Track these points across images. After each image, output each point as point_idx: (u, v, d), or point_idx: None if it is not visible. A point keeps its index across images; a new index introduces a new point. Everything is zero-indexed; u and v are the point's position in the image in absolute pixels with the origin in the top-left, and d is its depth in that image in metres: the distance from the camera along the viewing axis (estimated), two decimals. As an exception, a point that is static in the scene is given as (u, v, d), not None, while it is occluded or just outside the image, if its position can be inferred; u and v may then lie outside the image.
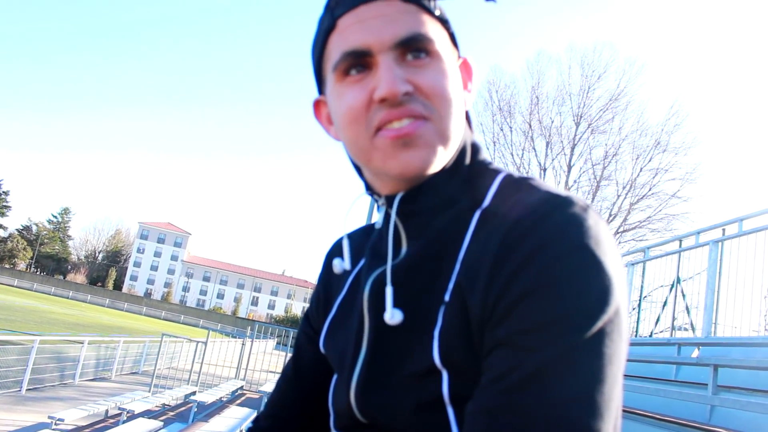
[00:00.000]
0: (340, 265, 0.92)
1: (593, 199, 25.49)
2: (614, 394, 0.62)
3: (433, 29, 0.78)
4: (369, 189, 0.88)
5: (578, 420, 0.59)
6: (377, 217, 0.90)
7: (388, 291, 0.78)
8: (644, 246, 10.89)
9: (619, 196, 25.34)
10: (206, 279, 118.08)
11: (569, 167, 26.30)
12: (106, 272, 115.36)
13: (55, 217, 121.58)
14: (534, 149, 26.70)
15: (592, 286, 0.64)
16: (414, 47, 0.76)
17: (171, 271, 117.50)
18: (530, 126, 26.72)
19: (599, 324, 0.62)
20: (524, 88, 27.31)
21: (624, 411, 5.76)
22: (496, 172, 0.82)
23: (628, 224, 25.25)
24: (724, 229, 8.12)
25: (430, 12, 0.79)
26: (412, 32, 0.76)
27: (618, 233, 25.35)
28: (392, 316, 0.76)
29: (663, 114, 28.21)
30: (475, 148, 0.86)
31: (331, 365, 0.93)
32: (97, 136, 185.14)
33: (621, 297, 0.65)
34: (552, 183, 26.28)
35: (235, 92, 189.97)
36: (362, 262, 0.93)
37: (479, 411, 0.64)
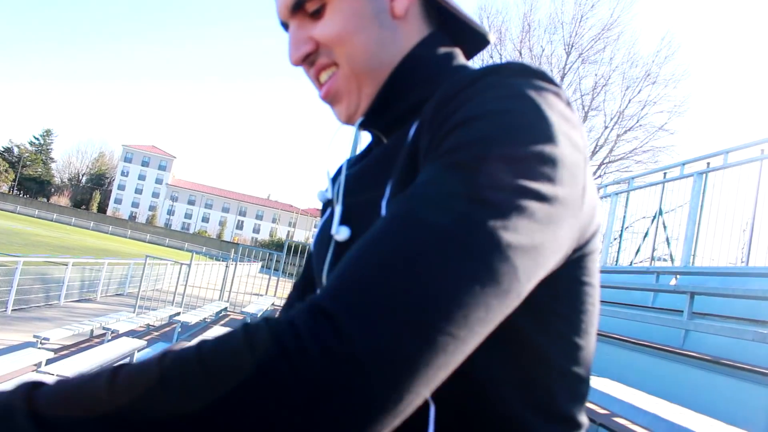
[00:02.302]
0: (321, 196, 0.96)
1: (580, 129, 25.41)
2: (540, 251, 0.55)
3: None
4: None
5: (481, 215, 0.53)
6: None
7: (337, 209, 0.81)
8: (628, 176, 10.92)
9: (606, 127, 25.33)
10: (191, 203, 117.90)
11: (558, 96, 26.11)
12: (90, 195, 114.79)
13: (37, 139, 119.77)
14: (523, 78, 26.44)
15: (530, 120, 0.59)
16: (310, 6, 0.80)
17: (156, 195, 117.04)
18: (520, 54, 26.35)
19: (529, 161, 0.56)
20: (516, 15, 26.98)
21: (602, 335, 5.93)
22: (462, 68, 0.83)
23: (614, 155, 25.35)
24: (708, 162, 8.14)
25: None
26: None
27: (603, 164, 25.48)
28: (338, 232, 0.78)
29: (654, 45, 27.89)
30: (448, 56, 0.84)
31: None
32: (80, 60, 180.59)
33: (565, 153, 0.59)
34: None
35: (222, 13, 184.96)
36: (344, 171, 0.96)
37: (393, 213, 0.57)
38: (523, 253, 0.53)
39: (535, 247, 0.54)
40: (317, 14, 0.80)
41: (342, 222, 0.79)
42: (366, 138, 0.96)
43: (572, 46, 25.94)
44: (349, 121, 0.85)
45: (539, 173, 0.56)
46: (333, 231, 0.79)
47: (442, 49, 0.84)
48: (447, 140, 0.60)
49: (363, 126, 0.86)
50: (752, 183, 7.04)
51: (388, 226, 0.55)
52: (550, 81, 0.65)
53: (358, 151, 1.03)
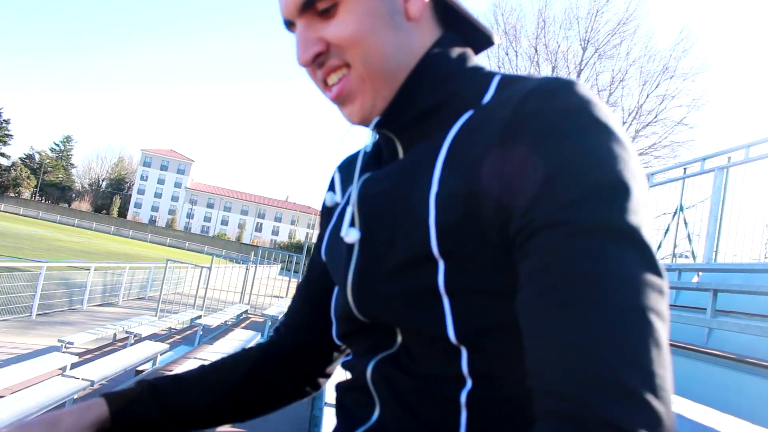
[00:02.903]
0: (331, 199, 0.98)
1: (598, 125, 25.21)
2: (659, 261, 0.61)
3: None
4: None
5: (643, 277, 0.58)
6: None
7: (348, 210, 0.82)
8: (648, 173, 10.81)
9: (624, 123, 25.09)
10: (210, 206, 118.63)
11: (575, 93, 25.91)
12: (111, 200, 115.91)
13: (58, 145, 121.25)
14: (540, 74, 26.28)
15: (620, 161, 0.62)
16: (321, 5, 0.77)
17: (175, 198, 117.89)
18: (536, 50, 26.20)
19: (635, 199, 0.61)
20: (531, 11, 26.80)
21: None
22: (492, 74, 0.81)
23: (633, 151, 25.10)
24: (729, 157, 8.03)
25: None
26: None
27: (622, 160, 25.22)
28: (347, 234, 0.80)
29: (672, 39, 27.69)
30: (462, 57, 0.84)
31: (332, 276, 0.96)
32: (98, 66, 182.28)
33: (643, 173, 0.64)
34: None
35: (241, 16, 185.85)
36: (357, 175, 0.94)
37: (535, 297, 0.61)
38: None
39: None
40: (328, 13, 0.78)
41: (351, 223, 0.81)
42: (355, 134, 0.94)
43: (588, 41, 25.73)
44: (363, 122, 0.82)
45: (645, 205, 0.63)
46: (343, 233, 0.81)
47: (457, 50, 0.84)
48: (546, 190, 0.62)
49: (378, 126, 0.83)
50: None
51: (595, 311, 0.58)
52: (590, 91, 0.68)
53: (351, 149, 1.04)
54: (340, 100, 0.81)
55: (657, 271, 0.59)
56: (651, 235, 0.61)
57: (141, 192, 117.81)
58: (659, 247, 9.64)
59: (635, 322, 0.56)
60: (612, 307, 0.57)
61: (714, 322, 4.80)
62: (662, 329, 0.57)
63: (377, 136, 0.91)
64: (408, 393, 0.76)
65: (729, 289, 5.42)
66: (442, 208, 0.70)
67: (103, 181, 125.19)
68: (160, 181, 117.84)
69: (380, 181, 0.81)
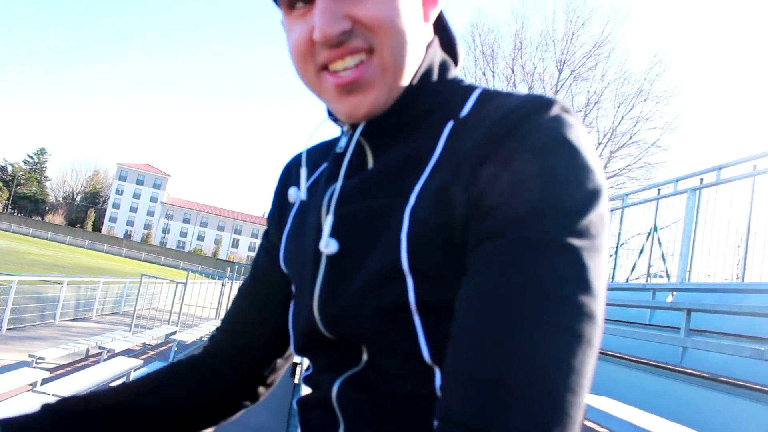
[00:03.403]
0: (295, 195, 0.89)
1: (574, 146, 25.51)
2: (601, 290, 0.60)
3: None
4: (331, 115, 0.84)
5: (571, 296, 0.58)
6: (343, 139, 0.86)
7: (328, 219, 0.76)
8: (623, 193, 10.97)
9: (599, 144, 25.44)
10: (186, 221, 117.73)
11: (551, 114, 26.23)
12: (85, 214, 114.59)
13: (31, 157, 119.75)
14: (516, 95, 26.57)
15: (580, 183, 0.62)
16: None
17: (150, 213, 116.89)
18: (513, 71, 26.52)
19: (587, 221, 0.61)
20: (508, 32, 27.05)
21: (599, 353, 5.87)
22: (472, 87, 0.79)
23: (608, 172, 25.42)
24: (702, 178, 8.18)
25: None
26: None
27: (598, 181, 25.51)
28: (327, 245, 0.75)
29: (646, 62, 28.16)
30: (444, 66, 0.82)
31: (288, 284, 0.92)
32: (74, 78, 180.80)
33: (603, 192, 0.64)
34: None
35: (219, 31, 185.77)
36: (321, 168, 0.91)
37: (462, 301, 0.62)
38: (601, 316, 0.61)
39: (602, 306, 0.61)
40: None
41: (331, 234, 0.76)
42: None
43: (564, 63, 26.11)
44: (366, 116, 0.75)
45: (597, 231, 0.62)
46: (322, 245, 0.75)
47: (443, 58, 0.83)
48: (504, 202, 0.62)
49: (364, 129, 0.78)
50: (746, 199, 7.09)
51: (512, 323, 0.58)
52: (571, 113, 0.68)
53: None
54: (353, 87, 0.73)
55: (591, 293, 0.58)
56: (600, 259, 0.61)
57: (116, 206, 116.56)
58: (633, 267, 9.77)
59: (552, 350, 0.56)
60: (532, 326, 0.56)
61: (688, 341, 4.85)
62: (581, 356, 0.57)
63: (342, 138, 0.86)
64: (376, 413, 0.73)
65: (703, 309, 5.49)
66: (416, 223, 0.68)
67: (77, 194, 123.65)
68: (136, 196, 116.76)
69: (355, 191, 0.77)
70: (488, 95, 0.75)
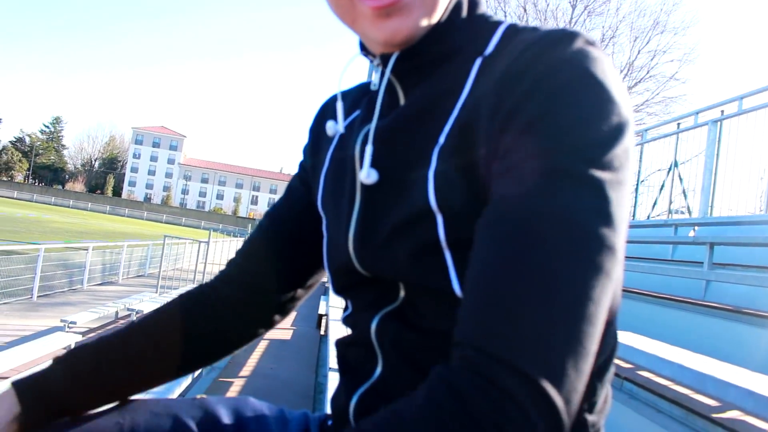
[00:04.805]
0: (333, 128, 0.90)
1: (590, 84, 25.15)
2: (623, 224, 0.60)
3: None
4: (363, 49, 0.84)
5: (592, 227, 0.57)
6: (375, 77, 0.86)
7: (368, 150, 0.77)
8: (641, 129, 10.79)
9: (616, 80, 25.01)
10: (204, 181, 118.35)
11: (566, 52, 25.81)
12: (104, 179, 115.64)
13: (48, 126, 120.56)
14: (529, 34, 26.14)
15: (599, 113, 0.61)
16: None
17: (169, 175, 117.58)
18: (525, 10, 25.95)
19: (611, 155, 0.60)
20: (519, -30, 26.36)
21: (623, 290, 5.87)
22: (499, 23, 0.78)
23: (625, 108, 25.07)
24: (722, 110, 8.02)
25: None
26: None
27: (615, 118, 25.20)
28: (368, 175, 0.76)
29: (662, -8, 27.38)
30: (474, 2, 0.81)
31: (319, 217, 0.93)
32: (84, 46, 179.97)
33: (630, 127, 0.63)
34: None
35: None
36: (355, 114, 0.91)
37: (482, 227, 0.62)
38: (620, 245, 0.60)
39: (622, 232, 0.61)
40: None
41: (372, 164, 0.77)
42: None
43: (578, -2, 25.52)
44: (405, 42, 0.75)
45: (620, 164, 0.61)
46: (363, 174, 0.77)
47: (482, 8, 0.82)
48: (525, 139, 0.62)
49: (396, 61, 0.78)
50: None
51: (522, 251, 0.58)
52: (595, 45, 0.66)
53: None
54: (393, 9, 0.72)
55: (611, 226, 0.58)
56: (622, 192, 0.60)
57: (134, 170, 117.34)
58: (654, 204, 9.68)
59: (568, 278, 0.56)
60: (549, 254, 0.56)
61: (711, 275, 4.84)
62: (598, 287, 0.56)
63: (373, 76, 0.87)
64: (413, 348, 0.75)
65: (725, 242, 5.45)
66: (443, 162, 0.69)
67: (95, 160, 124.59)
68: (153, 158, 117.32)
69: (389, 128, 0.78)
70: (514, 30, 0.75)
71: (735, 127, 7.70)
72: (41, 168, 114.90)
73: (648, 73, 24.59)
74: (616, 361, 0.80)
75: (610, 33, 25.01)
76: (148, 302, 11.61)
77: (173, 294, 13.69)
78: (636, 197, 10.51)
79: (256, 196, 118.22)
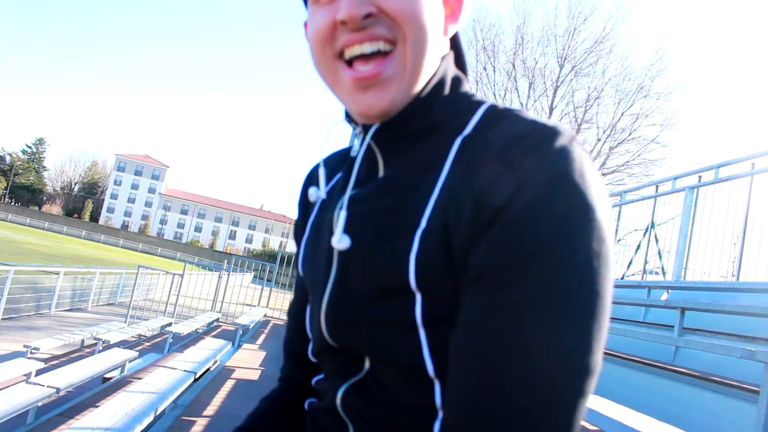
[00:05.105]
0: (315, 194, 0.91)
1: (573, 142, 25.58)
2: (601, 332, 0.61)
3: None
4: (347, 115, 0.85)
5: (563, 360, 0.59)
6: (357, 142, 0.88)
7: (342, 215, 0.78)
8: (621, 190, 10.98)
9: (599, 140, 25.44)
10: (184, 212, 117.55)
11: (551, 109, 26.28)
12: (83, 204, 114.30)
13: (30, 147, 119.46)
14: (516, 90, 26.60)
15: (577, 221, 0.62)
16: None
17: (148, 204, 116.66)
18: (514, 66, 26.50)
19: (585, 258, 0.61)
20: (509, 27, 27.04)
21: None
22: (480, 102, 0.80)
23: (606, 168, 25.44)
24: (700, 176, 8.18)
25: None
26: None
27: (596, 177, 25.56)
28: (340, 240, 0.76)
29: (647, 59, 28.20)
30: (457, 80, 0.84)
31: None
32: (74, 69, 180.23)
33: (607, 232, 0.63)
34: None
35: (216, 22, 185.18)
36: (337, 178, 0.93)
37: (463, 350, 0.63)
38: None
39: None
40: None
41: (345, 230, 0.77)
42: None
43: (565, 58, 26.11)
44: (384, 114, 0.77)
45: (597, 269, 0.62)
46: (335, 240, 0.77)
47: (455, 72, 0.85)
48: (501, 244, 0.63)
49: (376, 132, 0.79)
50: (743, 197, 7.10)
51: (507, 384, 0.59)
52: (581, 146, 0.68)
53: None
54: (374, 82, 0.74)
55: (588, 352, 0.59)
56: (600, 315, 0.61)
57: (114, 197, 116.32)
58: (629, 264, 9.78)
59: (552, 364, 0.58)
60: (532, 342, 0.59)
61: (681, 341, 4.86)
62: (581, 369, 0.59)
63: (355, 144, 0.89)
64: (380, 422, 0.75)
65: (696, 308, 5.50)
66: (425, 245, 0.70)
67: (75, 184, 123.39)
68: (134, 186, 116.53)
69: (367, 199, 0.79)
70: (495, 114, 0.76)
71: (711, 194, 7.84)
72: (19, 188, 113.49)
73: (630, 135, 25.09)
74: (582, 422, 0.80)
75: (595, 94, 25.57)
76: (116, 332, 11.39)
77: (142, 325, 13.51)
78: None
79: (235, 231, 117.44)
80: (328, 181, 0.95)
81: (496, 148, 0.68)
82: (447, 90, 0.81)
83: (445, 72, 0.82)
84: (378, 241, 0.74)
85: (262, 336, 13.74)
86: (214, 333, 14.29)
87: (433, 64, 0.79)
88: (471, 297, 0.64)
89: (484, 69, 26.80)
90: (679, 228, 8.00)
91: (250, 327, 13.26)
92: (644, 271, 9.42)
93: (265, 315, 17.44)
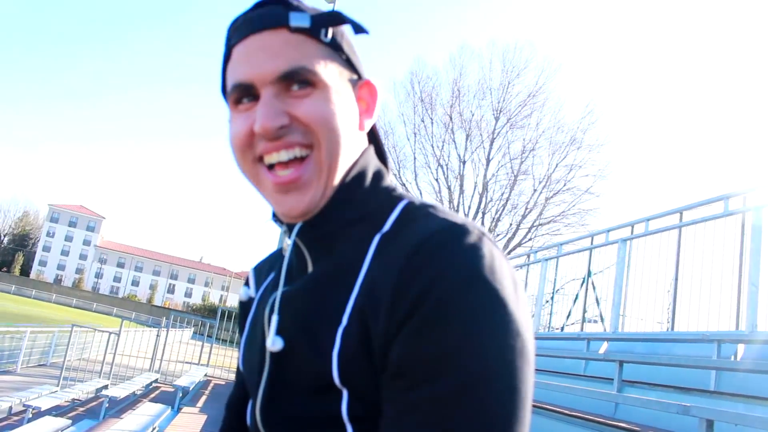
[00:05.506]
0: (245, 293, 0.99)
1: (510, 192, 26.19)
2: (520, 423, 0.64)
3: (320, 58, 0.80)
4: (274, 215, 0.89)
5: None
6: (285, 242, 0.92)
7: (273, 318, 0.82)
8: (557, 242, 11.29)
9: (535, 191, 26.17)
10: (120, 265, 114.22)
11: (488, 160, 26.93)
12: (13, 257, 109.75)
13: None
14: (454, 141, 27.24)
15: (488, 317, 0.66)
16: (296, 79, 0.79)
17: (83, 257, 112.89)
18: (451, 118, 27.16)
19: (499, 352, 0.64)
20: (446, 80, 27.79)
21: (536, 406, 5.99)
22: (399, 198, 0.85)
23: (543, 218, 26.11)
24: (632, 227, 8.49)
25: (320, 41, 0.81)
26: (293, 66, 0.78)
27: (534, 227, 26.16)
28: (273, 343, 0.80)
29: (579, 112, 29.32)
30: (378, 174, 0.88)
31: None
32: (7, 115, 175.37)
33: (522, 325, 0.67)
34: (471, 176, 26.88)
35: (152, 75, 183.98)
36: (269, 279, 0.98)
37: None
38: None
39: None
40: (300, 91, 0.79)
41: (277, 332, 0.81)
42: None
43: (501, 111, 26.93)
44: (302, 215, 0.81)
45: (516, 369, 0.66)
46: (269, 342, 0.80)
47: (376, 166, 0.89)
48: (415, 343, 0.67)
49: (301, 231, 0.83)
50: (673, 248, 7.38)
51: None
52: (491, 241, 0.73)
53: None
54: (292, 186, 0.79)
55: None
56: (519, 397, 0.65)
57: (47, 249, 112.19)
58: (569, 314, 9.99)
59: None
60: None
61: (619, 397, 4.97)
62: None
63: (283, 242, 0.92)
64: None
65: (634, 360, 5.64)
66: (346, 342, 0.73)
67: (5, 236, 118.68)
68: (68, 238, 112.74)
69: (296, 297, 0.82)
70: (411, 211, 0.81)
71: (642, 245, 8.12)
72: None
73: (565, 185, 25.90)
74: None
75: (530, 146, 26.40)
76: (47, 397, 10.88)
77: (77, 388, 12.93)
78: (552, 306, 10.81)
79: (174, 285, 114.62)
80: (263, 280, 1.00)
81: (410, 247, 0.72)
82: (367, 184, 0.86)
83: (365, 166, 0.86)
84: (306, 339, 0.78)
85: (203, 398, 13.36)
86: (152, 396, 13.81)
87: (350, 161, 0.84)
88: (391, 393, 0.68)
89: (422, 121, 27.38)
90: (614, 279, 8.23)
91: (190, 388, 12.87)
92: (583, 320, 9.62)
93: (205, 374, 16.97)
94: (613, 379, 5.42)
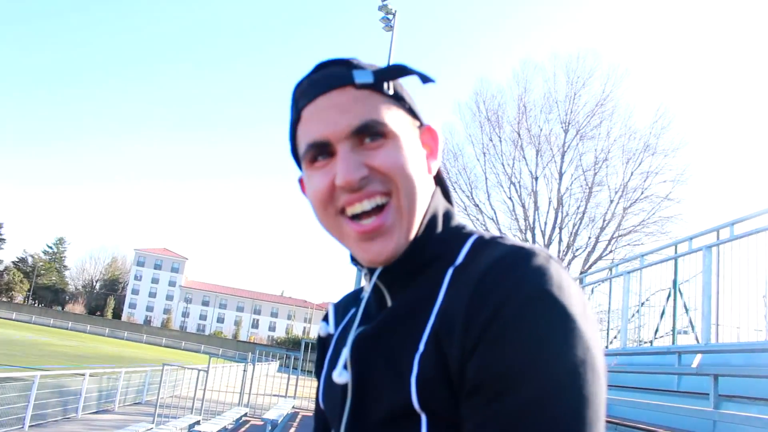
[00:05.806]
0: (324, 329, 1.03)
1: (586, 205, 25.57)
2: (594, 430, 0.66)
3: (387, 110, 0.86)
4: (353, 259, 0.93)
5: None
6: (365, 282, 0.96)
7: (344, 352, 0.86)
8: (639, 253, 10.92)
9: (612, 201, 25.46)
10: (205, 303, 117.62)
11: (561, 174, 26.46)
12: (105, 301, 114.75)
13: (51, 247, 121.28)
14: (524, 158, 26.88)
15: (557, 331, 0.68)
16: (369, 132, 0.83)
17: (169, 297, 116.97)
18: (519, 135, 26.86)
19: (571, 365, 0.67)
20: (511, 97, 27.57)
21: (626, 425, 5.77)
22: (469, 234, 0.88)
23: (623, 229, 25.33)
24: (718, 233, 8.13)
25: (384, 93, 0.86)
26: (365, 120, 0.83)
27: (614, 239, 25.39)
28: (339, 375, 0.85)
29: (650, 117, 28.48)
30: (448, 215, 0.93)
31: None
32: (88, 166, 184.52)
33: (590, 339, 0.70)
34: (545, 192, 26.42)
35: (230, 115, 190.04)
36: (348, 317, 1.02)
37: None
38: None
39: None
40: (374, 143, 0.83)
41: (345, 366, 0.85)
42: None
43: (569, 123, 26.42)
44: (388, 260, 0.85)
45: (586, 387, 0.67)
46: (335, 374, 0.85)
47: (446, 207, 0.94)
48: (489, 360, 0.70)
49: (382, 273, 0.87)
50: (764, 251, 7.02)
51: None
52: (558, 263, 0.76)
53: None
54: (377, 233, 0.83)
55: None
56: (592, 413, 0.66)
57: (135, 292, 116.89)
58: (657, 329, 9.60)
59: None
60: None
61: (716, 414, 4.75)
62: None
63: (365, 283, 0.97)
64: None
65: (730, 374, 5.39)
66: (424, 368, 0.76)
67: (96, 282, 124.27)
68: (154, 281, 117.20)
69: (372, 332, 0.86)
70: (481, 243, 0.85)
71: (730, 250, 7.76)
72: (42, 289, 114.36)
73: (642, 193, 25.09)
74: None
75: (602, 156, 25.75)
76: (143, 435, 11.25)
77: (170, 424, 13.29)
78: (639, 319, 10.44)
79: (257, 320, 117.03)
80: (342, 318, 1.04)
81: (479, 273, 0.75)
82: (440, 226, 0.90)
83: (436, 209, 0.91)
84: (385, 369, 0.81)
85: (291, 430, 13.50)
86: (242, 429, 14.06)
87: (425, 204, 0.88)
88: (468, 411, 0.71)
89: (490, 140, 27.17)
90: (701, 288, 7.88)
91: (278, 421, 13.05)
92: (674, 332, 9.23)
93: (293, 407, 17.19)
94: (708, 395, 5.19)
